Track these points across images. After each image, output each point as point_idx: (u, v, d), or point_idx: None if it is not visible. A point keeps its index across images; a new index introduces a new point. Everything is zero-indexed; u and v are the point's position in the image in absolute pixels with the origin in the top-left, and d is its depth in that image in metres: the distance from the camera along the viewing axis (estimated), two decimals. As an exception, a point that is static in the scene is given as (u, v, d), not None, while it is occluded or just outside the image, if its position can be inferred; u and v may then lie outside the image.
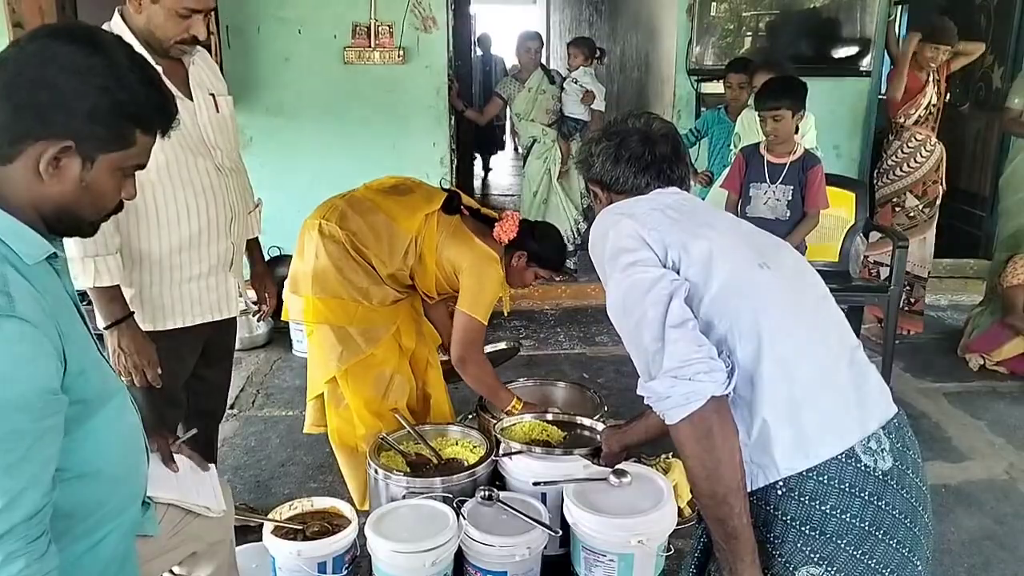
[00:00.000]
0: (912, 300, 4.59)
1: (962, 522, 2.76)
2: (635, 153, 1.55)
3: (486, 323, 2.53)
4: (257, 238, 2.48)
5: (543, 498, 2.21)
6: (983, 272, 5.12)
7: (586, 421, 2.50)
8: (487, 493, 2.14)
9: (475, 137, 8.16)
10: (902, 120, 4.39)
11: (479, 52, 9.61)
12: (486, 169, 10.39)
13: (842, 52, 5.07)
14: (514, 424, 2.48)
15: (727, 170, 3.72)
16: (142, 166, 1.25)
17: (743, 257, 1.39)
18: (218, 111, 2.20)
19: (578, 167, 1.69)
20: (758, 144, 3.51)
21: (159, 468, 1.63)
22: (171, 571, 1.73)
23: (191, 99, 2.14)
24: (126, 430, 1.34)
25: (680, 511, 2.17)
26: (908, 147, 4.41)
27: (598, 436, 2.26)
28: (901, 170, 4.44)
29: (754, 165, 3.46)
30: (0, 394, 1.02)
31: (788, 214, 3.38)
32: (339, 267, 2.49)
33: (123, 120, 1.17)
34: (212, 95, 2.20)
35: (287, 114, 4.67)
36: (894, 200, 4.49)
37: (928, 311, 4.78)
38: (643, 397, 1.30)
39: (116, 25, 2.04)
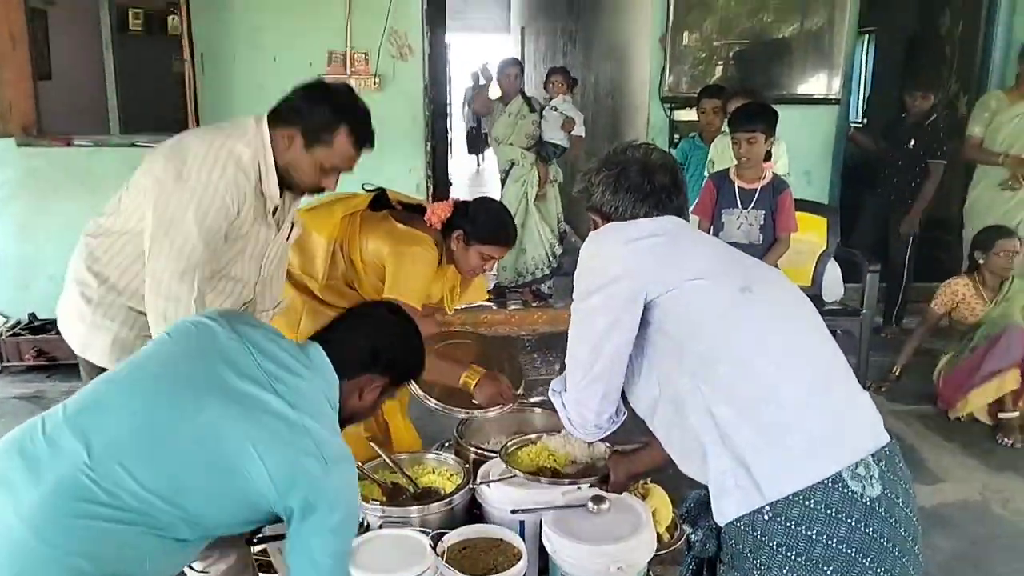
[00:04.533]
0: None
1: (937, 543, 2.77)
2: (634, 183, 1.57)
3: (419, 307, 2.37)
4: None
5: (521, 526, 2.19)
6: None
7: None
8: None
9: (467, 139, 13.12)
10: None
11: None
12: (479, 165, 13.40)
13: (811, 80, 5.17)
14: (520, 448, 2.39)
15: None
16: (392, 397, 1.85)
17: (726, 281, 1.41)
18: (287, 240, 2.26)
19: (578, 195, 1.70)
20: (727, 170, 3.55)
21: None
22: (191, 567, 1.79)
23: (279, 230, 2.18)
24: None
25: (659, 537, 2.15)
26: None
27: (605, 461, 2.21)
28: None
29: (725, 191, 3.50)
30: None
31: (761, 238, 3.42)
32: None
33: (408, 375, 1.79)
34: (292, 224, 2.25)
35: (262, 141, 4.65)
36: None
37: (902, 335, 4.82)
38: (620, 420, 1.50)
39: (263, 142, 2.08)
